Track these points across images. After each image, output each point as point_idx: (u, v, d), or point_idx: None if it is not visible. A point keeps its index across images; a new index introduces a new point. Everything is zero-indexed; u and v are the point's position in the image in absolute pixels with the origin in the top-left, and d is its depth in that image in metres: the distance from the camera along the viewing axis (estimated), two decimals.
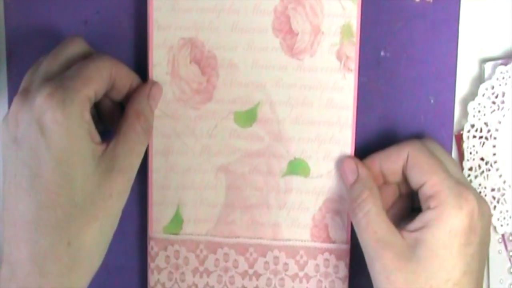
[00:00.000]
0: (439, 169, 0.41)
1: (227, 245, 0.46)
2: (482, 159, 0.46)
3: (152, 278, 0.46)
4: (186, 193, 0.46)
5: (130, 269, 0.48)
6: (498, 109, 0.46)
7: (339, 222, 0.45)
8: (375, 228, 0.41)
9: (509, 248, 0.48)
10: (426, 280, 0.40)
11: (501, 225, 0.47)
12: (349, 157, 0.45)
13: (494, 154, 0.46)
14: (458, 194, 0.40)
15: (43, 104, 0.39)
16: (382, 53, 0.46)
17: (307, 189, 0.45)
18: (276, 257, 0.46)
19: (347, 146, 0.45)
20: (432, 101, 0.46)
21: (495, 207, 0.47)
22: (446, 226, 0.40)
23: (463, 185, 0.41)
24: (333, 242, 0.46)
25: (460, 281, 0.40)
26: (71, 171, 0.39)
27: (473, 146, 0.46)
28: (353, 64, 0.44)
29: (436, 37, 0.45)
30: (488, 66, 0.46)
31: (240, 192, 0.46)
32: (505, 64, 0.46)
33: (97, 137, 0.41)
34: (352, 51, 0.44)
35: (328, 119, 0.45)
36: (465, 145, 0.46)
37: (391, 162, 0.43)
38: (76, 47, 0.43)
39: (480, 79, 0.47)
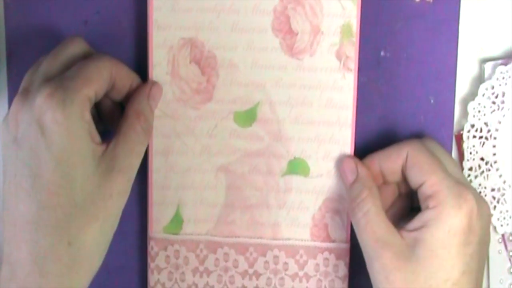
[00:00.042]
0: (438, 168, 0.41)
1: (227, 245, 0.46)
2: (482, 159, 0.46)
3: (152, 278, 0.46)
4: (186, 193, 0.46)
5: (130, 269, 0.48)
6: (498, 109, 0.46)
7: (338, 221, 0.45)
8: (374, 228, 0.41)
9: (509, 248, 0.48)
10: (425, 280, 0.40)
11: (501, 225, 0.47)
12: (348, 156, 0.45)
13: (494, 154, 0.46)
14: (457, 194, 0.40)
15: (43, 104, 0.39)
16: (382, 53, 0.46)
17: (306, 188, 0.45)
18: (276, 257, 0.46)
19: (347, 145, 0.45)
20: (432, 101, 0.46)
21: (495, 207, 0.47)
22: (445, 226, 0.40)
23: (462, 185, 0.41)
24: (333, 242, 0.46)
25: (459, 280, 0.40)
26: (71, 171, 0.39)
27: (473, 146, 0.46)
28: (353, 64, 0.44)
29: (436, 37, 0.45)
30: (488, 66, 0.46)
31: (240, 192, 0.46)
32: (505, 64, 0.46)
33: (97, 137, 0.41)
34: (352, 51, 0.44)
35: (327, 118, 0.45)
36: (465, 145, 0.46)
37: (391, 161, 0.43)
38: (76, 47, 0.43)
39: (480, 79, 0.47)
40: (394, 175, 0.43)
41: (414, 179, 0.42)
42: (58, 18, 0.46)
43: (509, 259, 0.48)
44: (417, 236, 0.40)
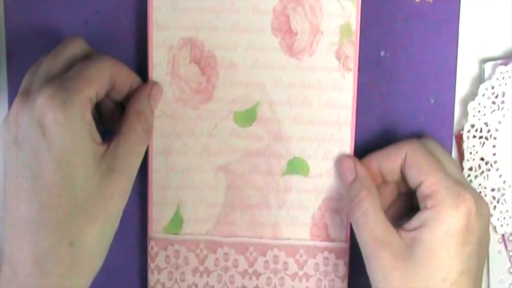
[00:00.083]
0: (437, 168, 0.41)
1: (227, 245, 0.46)
2: (482, 159, 0.46)
3: (152, 278, 0.47)
4: (186, 193, 0.46)
5: (130, 269, 0.48)
6: (498, 109, 0.46)
7: (338, 221, 0.46)
8: (372, 228, 0.41)
9: (509, 248, 0.48)
10: (424, 279, 0.40)
11: (501, 225, 0.47)
12: (347, 156, 0.45)
13: (494, 154, 0.46)
14: (455, 194, 0.40)
15: (44, 105, 0.39)
16: (382, 53, 0.46)
17: (306, 188, 0.45)
18: (276, 256, 0.46)
19: (346, 145, 0.45)
20: (432, 101, 0.46)
21: (495, 207, 0.47)
22: (443, 226, 0.40)
23: (460, 184, 0.41)
24: (333, 241, 0.46)
25: (457, 280, 0.40)
26: (72, 171, 0.39)
27: (473, 146, 0.46)
28: (352, 64, 0.44)
29: (436, 37, 0.45)
30: (488, 66, 0.46)
31: (240, 191, 0.46)
32: (505, 64, 0.46)
33: (98, 138, 0.41)
34: (351, 51, 0.44)
35: (327, 118, 0.45)
36: (465, 145, 0.46)
37: (390, 161, 0.43)
38: (76, 47, 0.43)
39: (480, 79, 0.46)
40: (393, 174, 0.43)
41: (413, 178, 0.42)
42: (58, 18, 0.46)
43: (509, 259, 0.48)
44: (415, 235, 0.40)
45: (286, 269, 0.46)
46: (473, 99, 0.46)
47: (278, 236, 0.46)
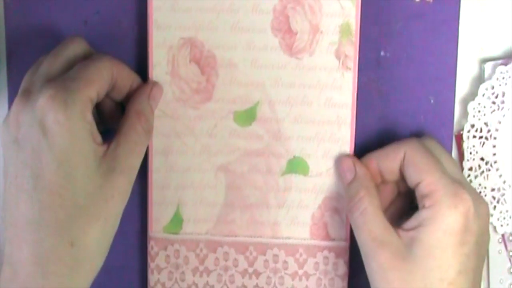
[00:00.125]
0: (435, 168, 0.41)
1: (227, 244, 0.46)
2: (482, 159, 0.46)
3: (152, 278, 0.47)
4: (186, 192, 0.46)
5: (130, 269, 0.48)
6: (498, 109, 0.46)
7: (338, 220, 0.46)
8: (371, 227, 0.41)
9: (509, 248, 0.48)
10: (422, 279, 0.40)
11: (501, 225, 0.47)
12: (347, 155, 0.45)
13: (494, 154, 0.46)
14: (453, 193, 0.40)
15: (45, 105, 0.39)
16: (382, 53, 0.46)
17: (306, 187, 0.45)
18: (275, 256, 0.46)
19: (346, 144, 0.45)
20: (432, 101, 0.46)
21: (495, 207, 0.47)
22: (441, 225, 0.40)
23: (459, 184, 0.41)
24: (332, 240, 0.46)
25: (455, 280, 0.40)
26: (73, 172, 0.39)
27: (473, 146, 0.46)
28: (352, 63, 0.44)
29: (436, 37, 0.45)
30: (488, 66, 0.46)
31: (239, 191, 0.46)
32: (505, 64, 0.45)
33: (99, 138, 0.41)
34: (351, 50, 0.44)
35: (327, 117, 0.45)
36: (465, 145, 0.46)
37: (389, 160, 0.43)
38: (76, 47, 0.43)
39: (480, 79, 0.46)
40: (392, 174, 0.43)
41: (411, 178, 0.42)
42: (58, 18, 0.46)
43: (509, 259, 0.48)
44: (413, 235, 0.40)
45: (286, 268, 0.46)
46: (473, 99, 0.46)
47: (278, 235, 0.46)
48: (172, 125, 0.45)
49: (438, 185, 0.40)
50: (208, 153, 0.46)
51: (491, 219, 0.47)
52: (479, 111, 0.46)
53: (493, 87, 0.46)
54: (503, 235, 0.47)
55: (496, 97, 0.46)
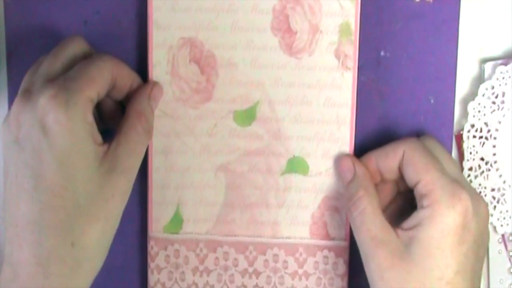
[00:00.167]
0: (433, 167, 0.41)
1: (226, 244, 0.46)
2: (482, 159, 0.46)
3: (152, 277, 0.47)
4: (186, 192, 0.46)
5: (130, 269, 0.48)
6: (498, 109, 0.46)
7: (338, 219, 0.46)
8: (369, 227, 0.41)
9: (509, 248, 0.48)
10: (420, 278, 0.40)
11: (501, 225, 0.47)
12: (346, 155, 0.45)
13: (494, 154, 0.46)
14: (452, 193, 0.40)
15: (46, 105, 0.39)
16: (382, 53, 0.46)
17: (306, 187, 0.45)
18: (275, 255, 0.46)
19: (346, 144, 0.45)
20: (432, 101, 0.46)
21: (495, 207, 0.47)
22: (439, 225, 0.40)
23: (457, 183, 0.41)
24: (332, 239, 0.46)
25: (453, 279, 0.40)
26: (73, 172, 0.39)
27: (473, 146, 0.46)
28: (352, 63, 0.44)
29: (436, 37, 0.45)
30: (488, 66, 0.46)
31: (239, 191, 0.46)
32: (505, 64, 0.45)
33: (99, 138, 0.41)
34: (351, 50, 0.44)
35: (326, 117, 0.45)
36: (465, 145, 0.46)
37: (388, 159, 0.43)
38: (76, 46, 0.43)
39: (480, 79, 0.46)
40: (391, 173, 0.43)
41: (410, 177, 0.42)
42: (58, 18, 0.46)
43: (509, 259, 0.48)
44: (412, 234, 0.40)
45: (285, 267, 0.46)
46: (473, 99, 0.46)
47: (278, 235, 0.46)
48: (172, 125, 0.45)
49: (437, 185, 0.40)
50: (208, 153, 0.46)
51: (491, 219, 0.47)
52: (479, 111, 0.46)
53: (493, 87, 0.45)
54: (503, 235, 0.47)
55: (496, 97, 0.46)
